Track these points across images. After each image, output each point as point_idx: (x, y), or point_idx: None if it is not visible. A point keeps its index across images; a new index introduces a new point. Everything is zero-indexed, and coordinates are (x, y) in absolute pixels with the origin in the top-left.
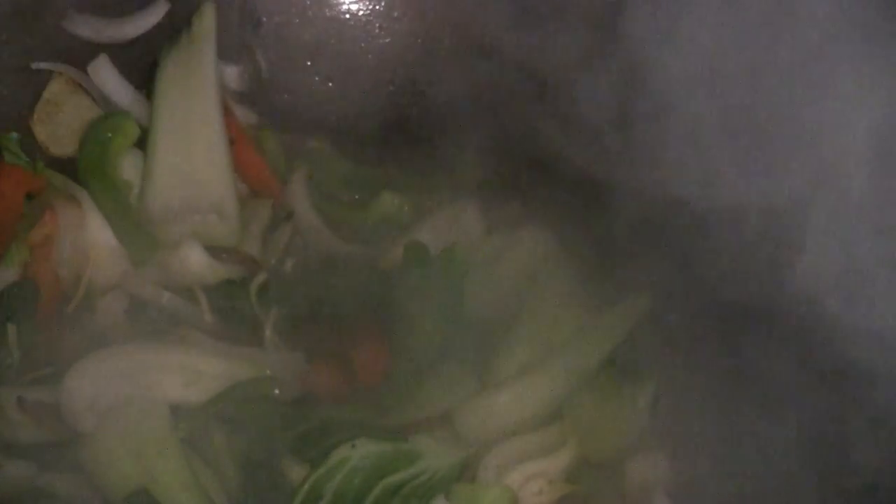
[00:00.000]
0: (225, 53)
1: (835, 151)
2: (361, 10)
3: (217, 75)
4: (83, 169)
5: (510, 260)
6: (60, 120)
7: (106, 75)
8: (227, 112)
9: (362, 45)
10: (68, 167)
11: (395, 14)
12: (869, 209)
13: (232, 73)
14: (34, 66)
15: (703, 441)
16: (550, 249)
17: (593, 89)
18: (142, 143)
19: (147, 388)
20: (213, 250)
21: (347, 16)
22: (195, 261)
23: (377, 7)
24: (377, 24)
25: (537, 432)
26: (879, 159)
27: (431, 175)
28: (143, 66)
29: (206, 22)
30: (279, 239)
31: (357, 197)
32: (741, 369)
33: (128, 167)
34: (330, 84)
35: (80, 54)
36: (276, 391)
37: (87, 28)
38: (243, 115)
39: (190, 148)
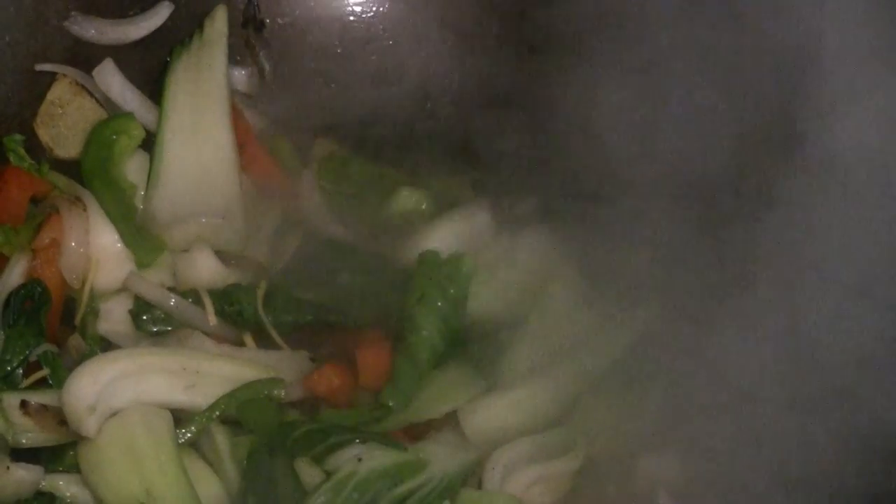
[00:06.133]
0: (230, 56)
1: None
2: (365, 11)
3: (227, 79)
4: (87, 171)
5: (520, 261)
6: (64, 122)
7: (111, 79)
8: (235, 115)
9: (366, 46)
10: (72, 169)
11: (398, 15)
12: None
13: (240, 76)
14: (37, 67)
15: (711, 441)
16: (561, 251)
17: (603, 90)
18: (146, 145)
19: (150, 391)
20: (221, 254)
21: (352, 17)
22: (204, 265)
23: (381, 9)
24: (380, 27)
25: (544, 434)
26: None
27: (440, 177)
28: (145, 68)
29: (218, 25)
30: (287, 243)
31: (369, 196)
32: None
33: (132, 169)
34: (333, 86)
35: (84, 56)
36: (280, 393)
37: (90, 30)
38: (252, 118)
39: (198, 151)
